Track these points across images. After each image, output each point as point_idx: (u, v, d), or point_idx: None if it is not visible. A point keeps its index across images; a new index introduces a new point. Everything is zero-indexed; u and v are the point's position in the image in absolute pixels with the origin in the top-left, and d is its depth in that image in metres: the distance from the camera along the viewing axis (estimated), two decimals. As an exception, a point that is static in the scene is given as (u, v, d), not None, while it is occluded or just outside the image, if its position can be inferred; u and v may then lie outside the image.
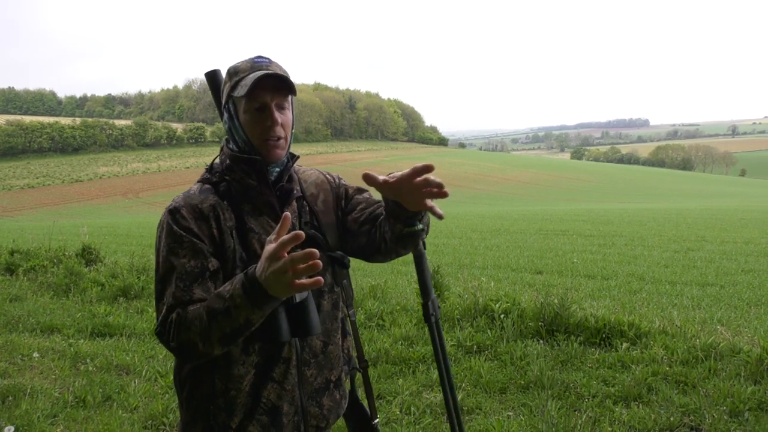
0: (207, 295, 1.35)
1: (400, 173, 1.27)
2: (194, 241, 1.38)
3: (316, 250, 1.15)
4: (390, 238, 1.46)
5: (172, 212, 1.41)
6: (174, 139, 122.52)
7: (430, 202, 1.30)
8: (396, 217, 1.40)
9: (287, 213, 1.20)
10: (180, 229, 1.39)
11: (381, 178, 1.29)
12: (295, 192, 1.52)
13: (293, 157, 1.53)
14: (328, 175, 1.65)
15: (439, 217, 1.31)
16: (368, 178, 1.28)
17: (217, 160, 1.53)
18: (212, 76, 1.61)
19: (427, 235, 1.48)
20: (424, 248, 1.48)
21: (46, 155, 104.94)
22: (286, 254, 1.16)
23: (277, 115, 1.42)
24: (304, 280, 1.17)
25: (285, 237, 1.17)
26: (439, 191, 1.25)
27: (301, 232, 1.16)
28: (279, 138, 1.44)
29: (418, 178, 1.25)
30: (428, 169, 1.24)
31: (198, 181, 1.51)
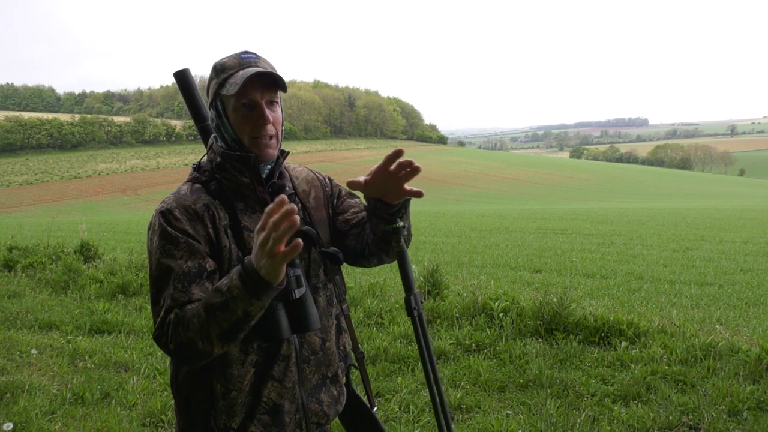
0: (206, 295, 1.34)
1: (376, 167, 1.37)
2: (190, 242, 1.35)
3: (284, 198, 1.12)
4: (372, 241, 1.50)
5: (164, 214, 1.37)
6: (173, 136, 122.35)
7: (407, 187, 1.40)
8: (378, 216, 1.46)
9: (282, 195, 1.15)
10: (174, 230, 1.36)
11: (362, 178, 1.41)
12: (287, 188, 1.51)
13: (284, 153, 1.51)
14: (317, 174, 1.66)
15: (419, 194, 1.41)
16: (352, 184, 1.42)
17: (205, 159, 1.50)
18: (182, 76, 1.56)
19: (410, 235, 1.56)
20: (407, 245, 1.51)
21: (44, 151, 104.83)
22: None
23: (268, 113, 1.40)
24: (285, 248, 1.14)
25: (270, 206, 1.13)
26: (412, 168, 1.35)
27: (284, 196, 1.13)
28: (271, 136, 1.42)
29: (392, 166, 1.35)
30: (398, 154, 1.35)
31: (187, 181, 1.47)
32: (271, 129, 1.41)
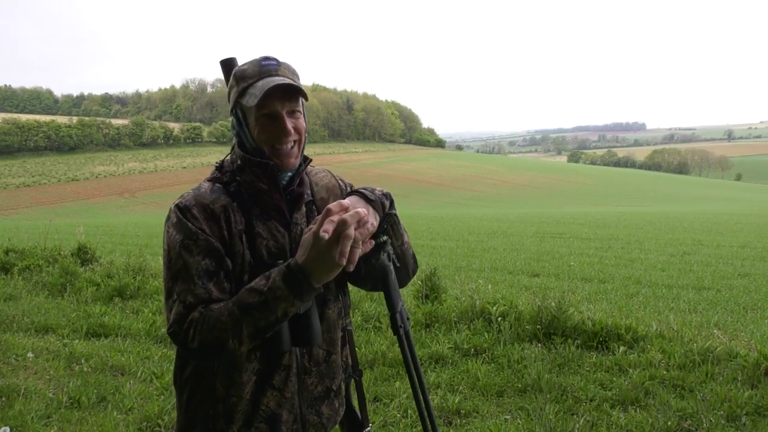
0: (223, 294, 1.33)
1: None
2: (209, 239, 1.35)
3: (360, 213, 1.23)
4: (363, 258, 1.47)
5: (183, 210, 1.37)
6: (171, 138, 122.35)
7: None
8: None
9: (330, 206, 1.24)
10: (193, 226, 1.35)
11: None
12: (305, 196, 1.49)
13: (306, 161, 1.49)
14: (340, 181, 1.62)
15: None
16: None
17: (228, 158, 1.49)
18: (228, 64, 1.54)
19: (405, 260, 1.53)
20: (389, 261, 1.45)
21: (42, 154, 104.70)
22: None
23: (289, 123, 1.38)
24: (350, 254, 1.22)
25: (340, 217, 1.21)
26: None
27: (356, 212, 1.23)
28: (292, 146, 1.40)
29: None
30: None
31: (208, 180, 1.46)
32: (292, 139, 1.40)
